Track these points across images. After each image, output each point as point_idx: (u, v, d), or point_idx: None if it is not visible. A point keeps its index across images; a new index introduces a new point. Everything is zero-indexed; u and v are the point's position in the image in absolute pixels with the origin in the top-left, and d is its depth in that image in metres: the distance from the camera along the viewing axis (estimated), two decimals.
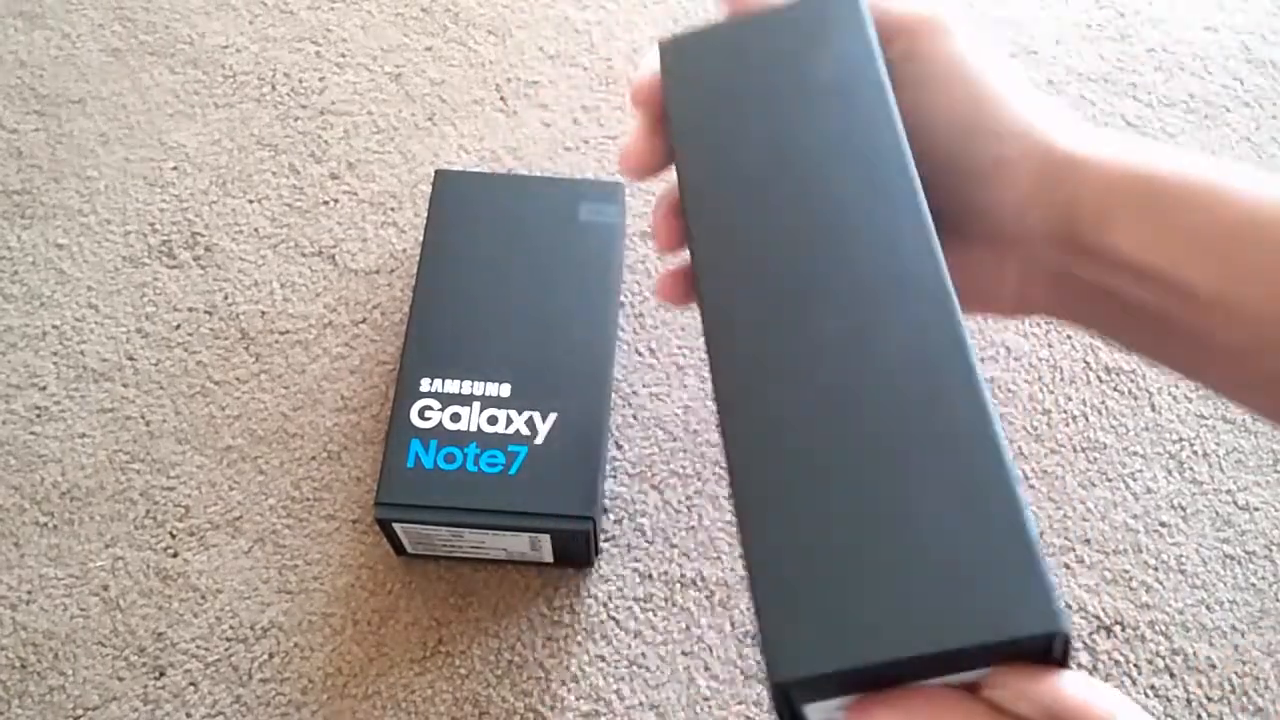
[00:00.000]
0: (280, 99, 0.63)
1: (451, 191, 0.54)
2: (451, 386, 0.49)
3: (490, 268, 0.52)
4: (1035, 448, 0.55)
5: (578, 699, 0.48)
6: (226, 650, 0.49)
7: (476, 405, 0.49)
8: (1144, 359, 0.34)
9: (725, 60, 0.33)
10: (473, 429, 0.48)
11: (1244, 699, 0.49)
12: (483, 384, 0.49)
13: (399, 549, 0.50)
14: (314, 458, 0.53)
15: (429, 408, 0.49)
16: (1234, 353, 0.30)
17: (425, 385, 0.49)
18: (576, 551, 0.49)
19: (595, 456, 0.48)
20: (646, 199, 0.61)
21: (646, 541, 0.52)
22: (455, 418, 0.48)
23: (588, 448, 0.48)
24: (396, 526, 0.47)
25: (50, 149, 0.61)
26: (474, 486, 0.47)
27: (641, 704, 0.48)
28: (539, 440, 0.48)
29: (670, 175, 0.33)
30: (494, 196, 0.54)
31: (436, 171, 0.55)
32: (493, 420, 0.48)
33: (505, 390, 0.49)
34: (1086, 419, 0.56)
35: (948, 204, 0.31)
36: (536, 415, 0.48)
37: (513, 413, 0.48)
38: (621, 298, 0.58)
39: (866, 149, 0.30)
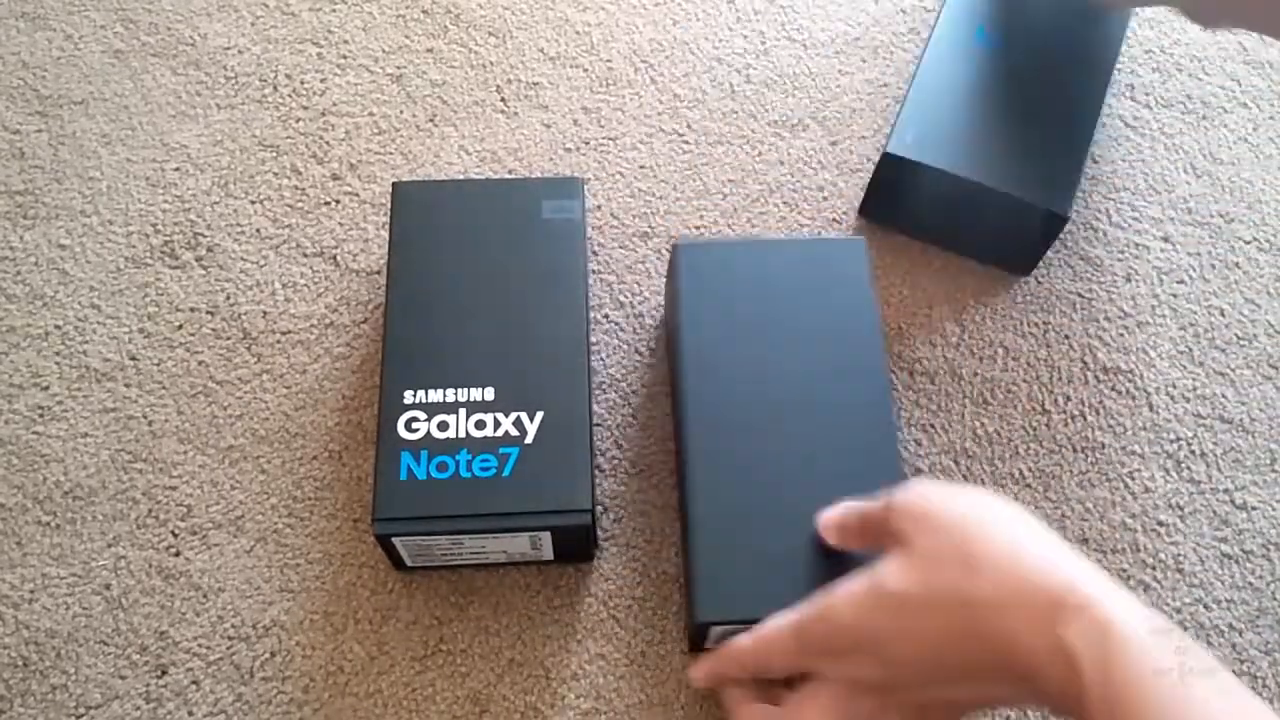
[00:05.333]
0: (282, 100, 0.64)
1: (412, 203, 0.54)
2: (435, 396, 0.49)
3: (460, 274, 0.52)
4: (1034, 447, 0.55)
5: (578, 697, 0.49)
6: (228, 649, 0.49)
7: (463, 412, 0.48)
8: None
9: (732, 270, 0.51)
10: (461, 435, 0.48)
11: None
12: (466, 390, 0.49)
13: (398, 563, 0.50)
14: (315, 457, 0.54)
15: (415, 419, 0.48)
16: None
17: (409, 398, 0.48)
18: (577, 546, 0.49)
19: (586, 449, 0.48)
20: (648, 200, 0.61)
21: (646, 540, 0.52)
22: (443, 426, 0.48)
23: (577, 441, 0.48)
24: (396, 541, 0.47)
25: (53, 150, 0.62)
26: (469, 492, 0.47)
27: (641, 702, 0.49)
28: (529, 440, 0.48)
29: None
30: (455, 203, 0.54)
31: (394, 184, 0.55)
32: (480, 425, 0.48)
33: (489, 394, 0.49)
34: (1085, 419, 0.56)
35: None
36: (524, 415, 0.48)
37: (499, 415, 0.48)
38: (621, 297, 0.58)
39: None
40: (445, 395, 0.49)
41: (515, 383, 0.49)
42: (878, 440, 0.48)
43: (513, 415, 0.48)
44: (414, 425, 0.48)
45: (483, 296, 0.51)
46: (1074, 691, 0.33)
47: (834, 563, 0.45)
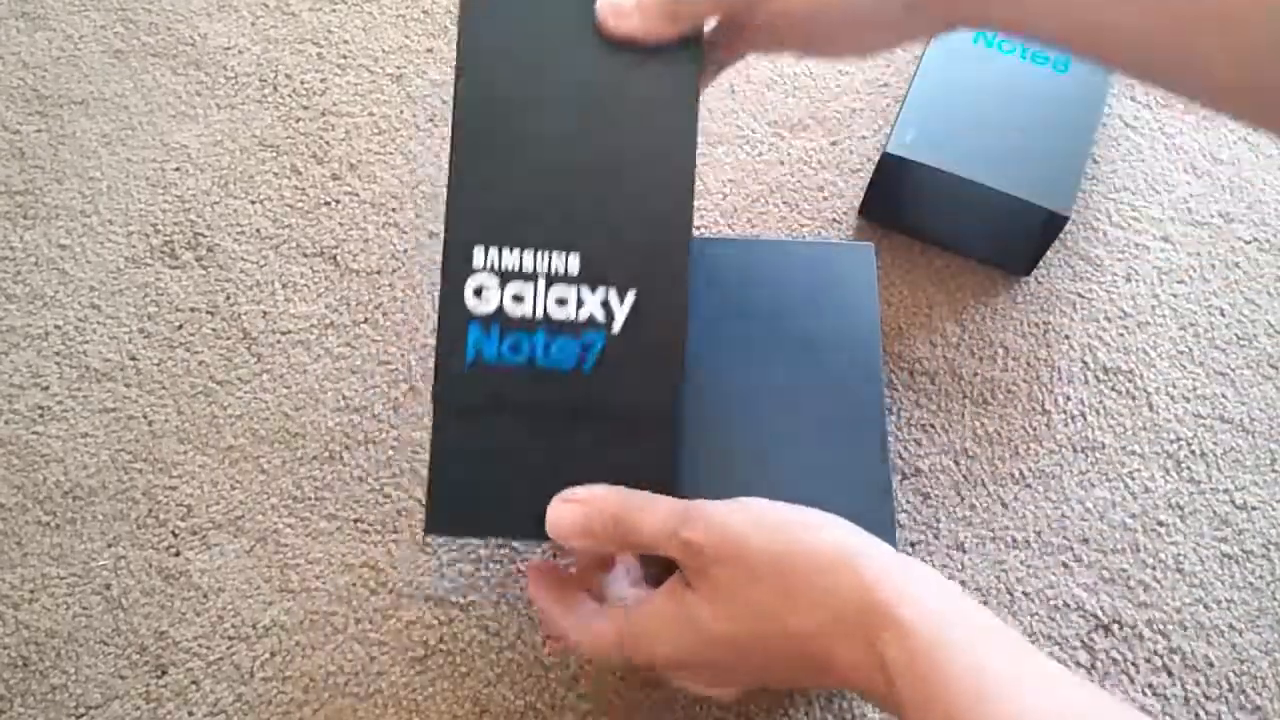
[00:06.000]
0: (282, 100, 0.64)
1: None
2: (510, 258, 0.40)
3: (542, 86, 0.41)
4: (1034, 448, 0.55)
5: (578, 698, 0.49)
6: (228, 649, 0.49)
7: (541, 282, 0.40)
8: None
9: None
10: (539, 314, 0.40)
11: (1242, 698, 0.49)
12: (547, 254, 0.40)
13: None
14: (315, 457, 0.54)
15: (485, 286, 0.40)
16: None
17: (479, 258, 0.40)
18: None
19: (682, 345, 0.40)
20: None
21: None
22: (518, 299, 0.40)
23: (675, 332, 0.40)
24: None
25: (53, 150, 0.62)
26: (551, 389, 0.40)
27: (642, 704, 0.49)
28: (616, 328, 0.40)
29: None
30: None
31: None
32: (562, 301, 0.40)
33: (574, 262, 0.40)
34: (1084, 419, 0.56)
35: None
36: (613, 291, 0.40)
37: (585, 289, 0.40)
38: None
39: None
40: (523, 259, 0.40)
41: (604, 250, 0.40)
42: (868, 447, 0.48)
43: (599, 291, 0.40)
44: (484, 293, 0.40)
45: (569, 120, 0.41)
46: (895, 698, 0.35)
47: None
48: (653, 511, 0.39)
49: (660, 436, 0.41)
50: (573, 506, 0.39)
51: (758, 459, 0.48)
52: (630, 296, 0.40)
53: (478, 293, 0.40)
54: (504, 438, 0.41)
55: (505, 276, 0.40)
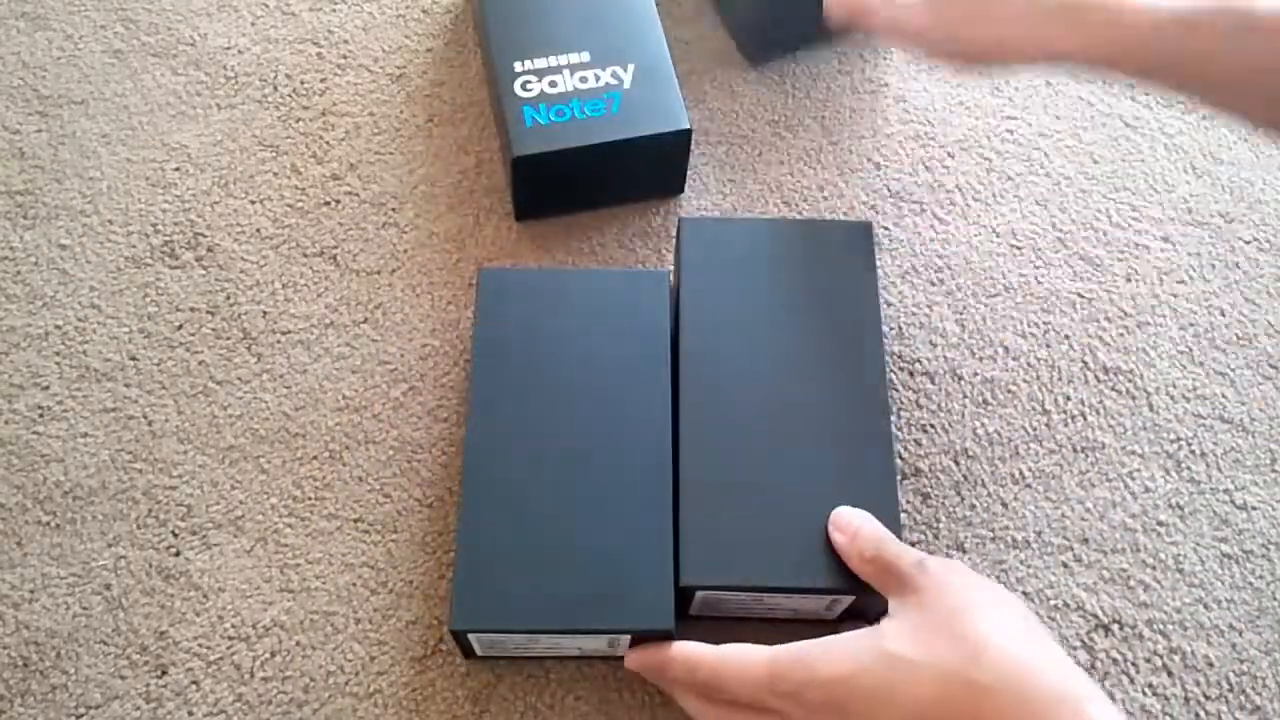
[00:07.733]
0: (282, 100, 0.64)
1: None
2: (540, 63, 0.58)
3: None
4: (1034, 447, 0.55)
5: (578, 699, 0.49)
6: (228, 649, 0.49)
7: (566, 72, 0.57)
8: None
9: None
10: (570, 89, 0.57)
11: (1242, 697, 0.49)
12: (565, 55, 0.58)
13: (468, 652, 0.48)
14: (315, 457, 0.54)
15: (528, 82, 0.57)
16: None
17: (519, 66, 0.57)
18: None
19: (674, 83, 0.57)
20: (646, 199, 0.61)
21: None
22: (553, 84, 0.57)
23: (665, 80, 0.57)
24: (471, 637, 0.45)
25: (53, 150, 0.62)
26: (590, 130, 0.56)
27: (644, 704, 0.49)
28: (627, 86, 0.57)
29: None
30: None
31: None
32: (584, 80, 0.57)
33: (585, 56, 0.58)
34: (1085, 419, 0.56)
35: None
36: (618, 68, 0.57)
37: (598, 70, 0.57)
38: None
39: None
40: (549, 61, 0.58)
41: (603, 46, 0.58)
42: (870, 420, 0.48)
43: (609, 69, 0.57)
44: (529, 85, 0.57)
45: None
46: None
47: (813, 544, 0.46)
48: (911, 549, 0.43)
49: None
50: (855, 514, 0.45)
51: (758, 445, 0.48)
52: (630, 68, 0.57)
53: (524, 86, 0.57)
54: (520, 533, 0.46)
55: (540, 73, 0.57)
